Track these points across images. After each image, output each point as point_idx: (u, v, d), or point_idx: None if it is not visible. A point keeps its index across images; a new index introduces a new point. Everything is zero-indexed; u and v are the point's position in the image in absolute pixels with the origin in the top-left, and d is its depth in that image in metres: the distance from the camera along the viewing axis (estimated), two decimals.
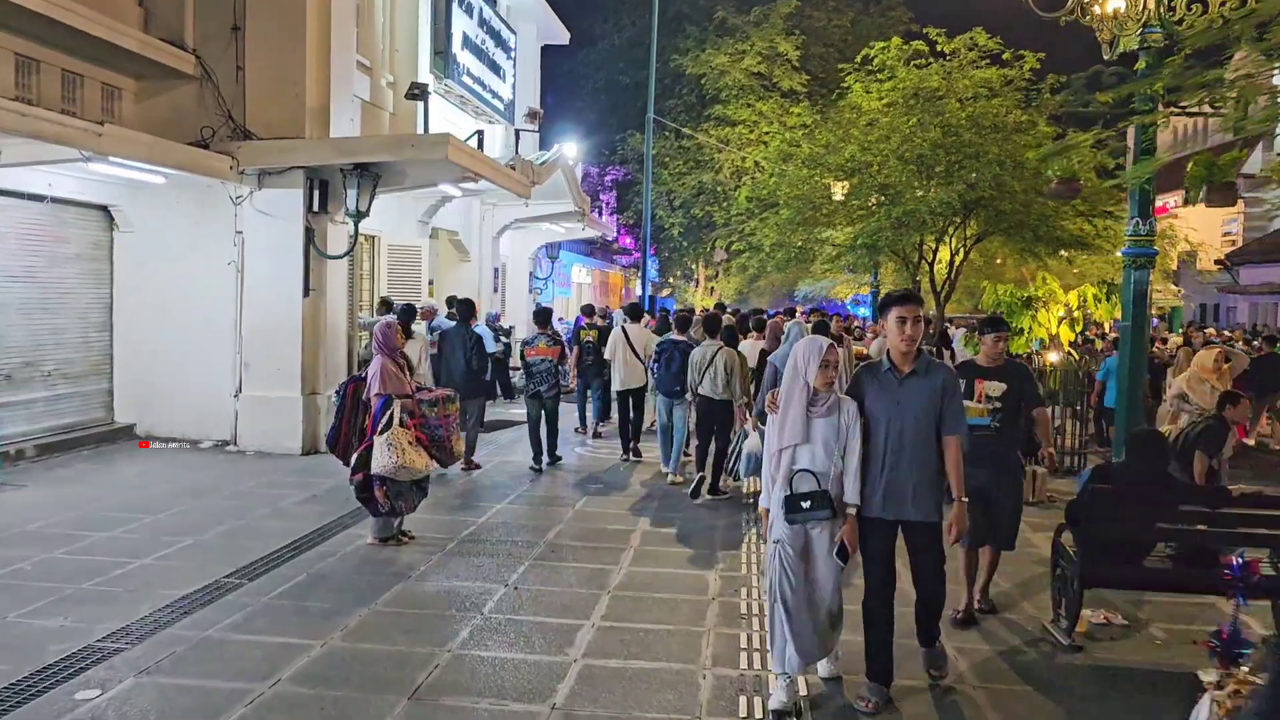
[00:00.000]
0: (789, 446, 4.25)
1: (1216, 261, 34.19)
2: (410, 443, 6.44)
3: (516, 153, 14.23)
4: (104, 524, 7.08)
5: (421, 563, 6.42)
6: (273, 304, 10.33)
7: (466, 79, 14.26)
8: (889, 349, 4.37)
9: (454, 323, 10.46)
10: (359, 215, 10.11)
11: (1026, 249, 16.75)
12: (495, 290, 17.47)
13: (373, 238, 12.71)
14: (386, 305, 11.84)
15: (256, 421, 10.35)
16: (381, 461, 6.32)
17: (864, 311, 26.44)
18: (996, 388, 5.39)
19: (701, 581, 6.20)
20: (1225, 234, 40.56)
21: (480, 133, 12.64)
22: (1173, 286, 31.33)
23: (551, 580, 6.12)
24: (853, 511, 4.25)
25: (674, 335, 9.74)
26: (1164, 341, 18.16)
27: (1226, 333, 22.40)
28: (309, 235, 10.33)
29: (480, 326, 12.76)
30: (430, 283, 17.14)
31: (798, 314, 16.69)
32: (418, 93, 11.27)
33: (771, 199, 18.76)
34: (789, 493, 4.22)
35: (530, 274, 20.62)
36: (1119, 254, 19.08)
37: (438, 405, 6.71)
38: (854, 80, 16.68)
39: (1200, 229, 32.27)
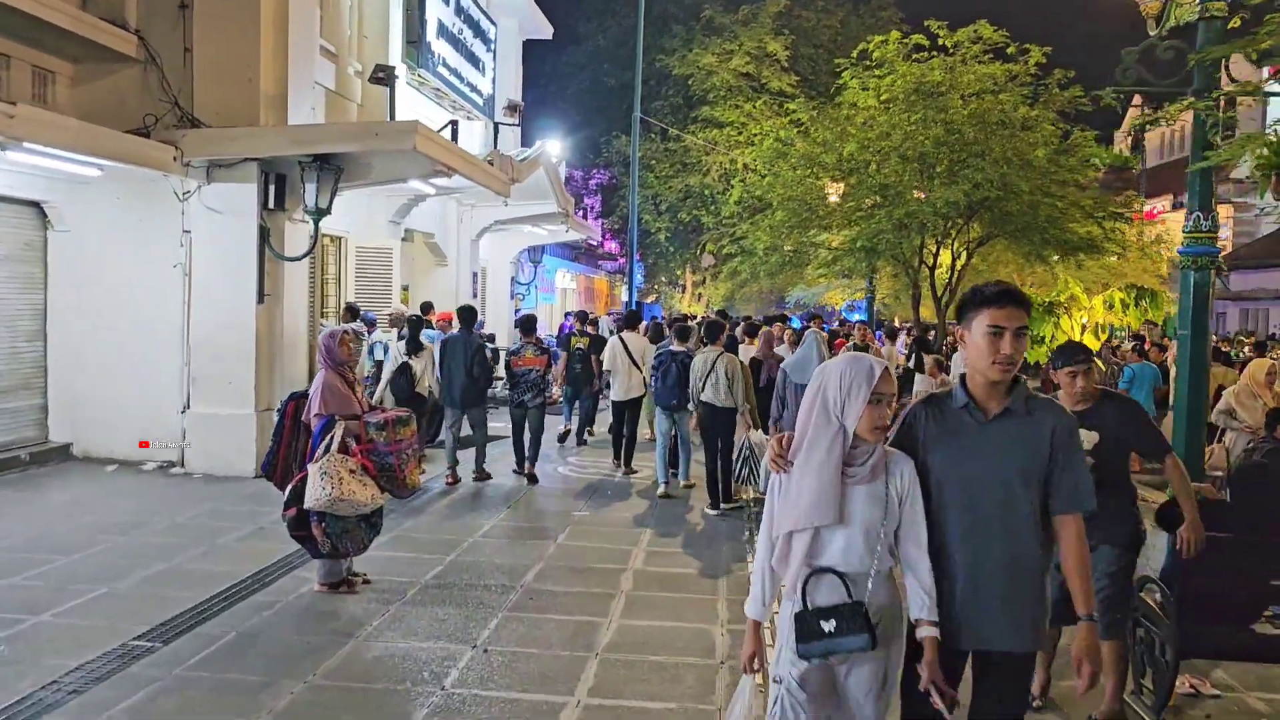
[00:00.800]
0: (808, 529, 2.72)
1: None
2: (351, 471, 5.46)
3: (495, 148, 13.29)
4: (6, 568, 6.07)
5: (374, 615, 5.45)
6: (223, 311, 9.34)
7: (442, 70, 13.32)
8: (968, 375, 2.83)
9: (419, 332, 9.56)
10: (319, 213, 9.13)
11: (1033, 252, 15.97)
12: (474, 296, 16.50)
13: (339, 239, 11.74)
14: (352, 312, 10.89)
15: (205, 441, 9.35)
16: (314, 494, 5.34)
17: (858, 318, 25.61)
18: (1088, 438, 3.90)
19: (707, 639, 5.25)
20: (1120, 254, 39.96)
21: (454, 123, 11.71)
22: (1169, 294, 30.63)
23: (529, 638, 5.17)
24: (934, 634, 2.72)
25: (673, 346, 9.33)
26: (1162, 349, 17.41)
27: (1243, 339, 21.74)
28: (264, 235, 9.34)
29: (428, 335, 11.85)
30: (405, 288, 16.18)
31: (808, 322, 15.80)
32: (383, 76, 10.31)
33: (764, 200, 17.90)
34: (803, 607, 2.75)
35: (512, 279, 19.66)
36: (1116, 258, 18.51)
37: (387, 429, 5.73)
38: (850, 76, 15.82)
39: None
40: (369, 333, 11.15)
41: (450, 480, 9.26)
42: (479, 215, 16.16)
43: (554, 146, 17.70)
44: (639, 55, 22.00)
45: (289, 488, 5.64)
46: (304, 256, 9.38)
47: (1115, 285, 10.05)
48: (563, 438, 12.10)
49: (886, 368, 2.77)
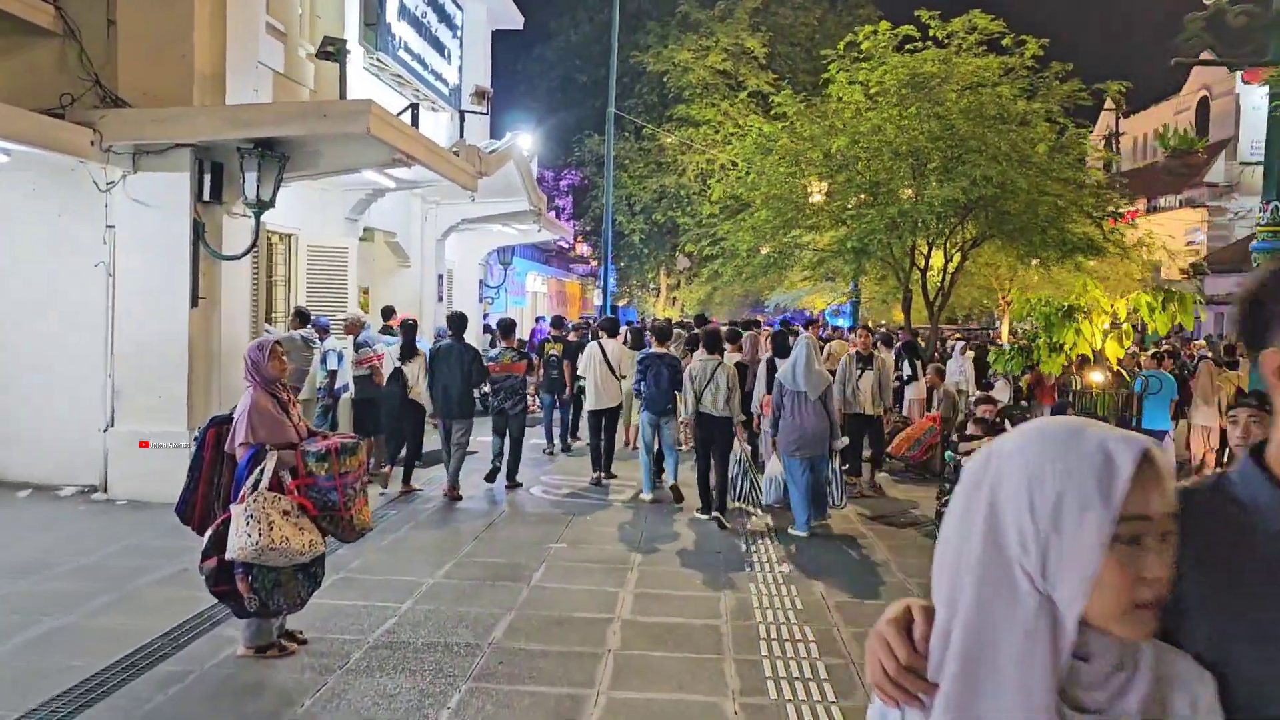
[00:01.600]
0: None
1: (1182, 270, 33.23)
2: (285, 513, 4.46)
3: (461, 137, 12.29)
4: None
5: (309, 689, 4.45)
6: (152, 316, 8.27)
7: (404, 54, 12.29)
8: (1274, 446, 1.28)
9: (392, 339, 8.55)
10: (261, 205, 8.09)
11: (1031, 254, 15.22)
12: (440, 300, 15.46)
13: (289, 237, 10.69)
14: (301, 318, 9.83)
15: (130, 463, 8.26)
16: (239, 542, 4.34)
17: (843, 323, 24.83)
18: None
19: (717, 717, 4.30)
20: (1189, 243, 39.87)
21: (414, 107, 10.71)
22: (1199, 296, 30.05)
23: None
24: None
25: (655, 348, 9.14)
26: (1174, 357, 16.73)
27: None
28: (198, 230, 8.28)
29: (420, 342, 10.82)
30: (365, 291, 15.11)
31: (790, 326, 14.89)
32: (332, 50, 9.28)
33: (747, 198, 17.01)
34: None
35: (480, 281, 18.62)
36: (1098, 259, 17.83)
37: (330, 459, 4.72)
38: (837, 69, 14.97)
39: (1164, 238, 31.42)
40: (321, 340, 10.12)
41: (453, 493, 8.90)
42: (445, 213, 15.12)
43: (525, 140, 16.71)
44: (614, 48, 21.10)
45: (208, 533, 4.63)
46: (244, 254, 8.33)
47: (1098, 290, 9.19)
48: (566, 447, 12.11)
49: (1150, 452, 1.12)
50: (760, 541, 7.68)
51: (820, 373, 7.79)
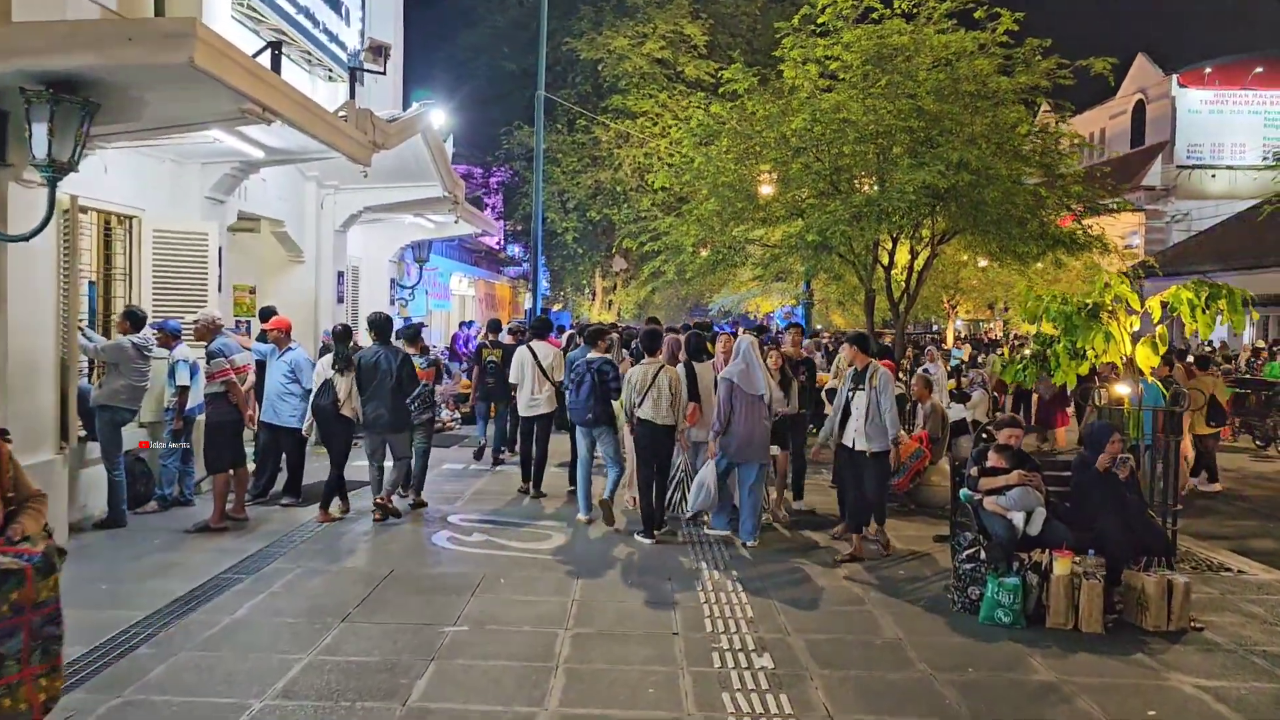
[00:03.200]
0: None
1: (1121, 274, 32.56)
2: None
3: (352, 99, 10.25)
4: None
5: None
6: None
7: (287, 5, 10.19)
8: None
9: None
10: (57, 168, 5.99)
11: (1008, 248, 13.70)
12: (339, 300, 13.35)
13: (129, 218, 8.54)
14: (134, 320, 7.73)
15: None
16: None
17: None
18: None
19: None
20: (1127, 246, 39.32)
21: (275, 45, 8.64)
22: (1249, 293, 28.98)
23: None
24: None
25: (588, 354, 8.37)
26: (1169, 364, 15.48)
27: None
28: None
29: (295, 351, 8.80)
30: (250, 290, 12.95)
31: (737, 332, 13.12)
32: None
33: (690, 190, 15.23)
34: None
35: (393, 281, 16.49)
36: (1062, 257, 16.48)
37: None
38: (792, 44, 13.26)
39: None
40: (171, 347, 8.03)
41: (378, 516, 8.03)
42: (345, 200, 13.04)
43: (439, 116, 14.69)
44: (543, 25, 19.16)
45: None
46: (34, 234, 6.20)
47: (1123, 285, 7.59)
48: (479, 454, 11.43)
49: None
50: (721, 593, 5.85)
51: (768, 375, 7.64)
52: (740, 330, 15.21)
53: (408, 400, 8.17)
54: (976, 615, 5.76)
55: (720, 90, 14.63)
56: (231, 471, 7.82)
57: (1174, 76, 45.83)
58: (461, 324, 21.16)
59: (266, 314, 9.89)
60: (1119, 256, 28.09)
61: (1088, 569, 5.67)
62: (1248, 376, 17.50)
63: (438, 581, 6.34)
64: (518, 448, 10.29)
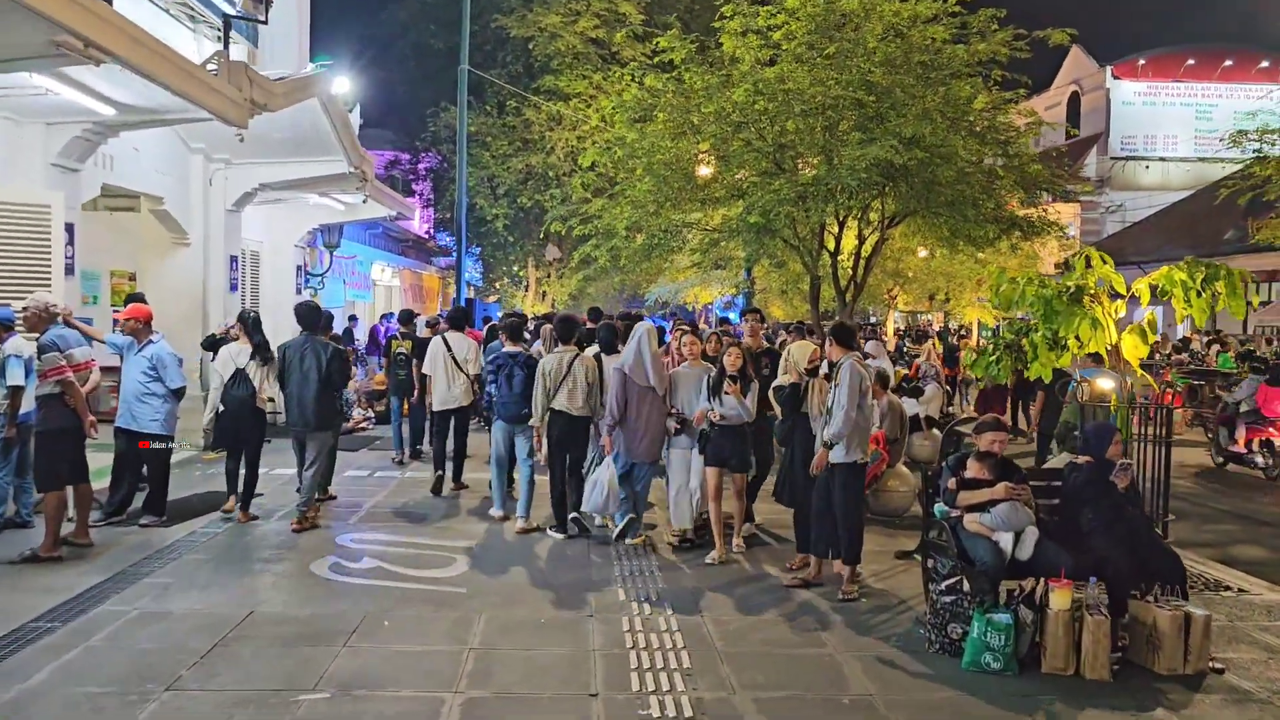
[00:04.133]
0: None
1: (1056, 266, 32.51)
2: None
3: (225, 50, 8.93)
4: None
5: None
6: None
7: None
8: None
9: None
10: None
11: (960, 232, 12.86)
12: (233, 288, 11.98)
13: None
14: None
15: None
16: None
17: (734, 317, 22.29)
18: None
19: None
20: (1061, 238, 39.28)
21: None
22: (1248, 272, 28.56)
23: None
24: None
25: (508, 346, 7.97)
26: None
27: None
28: None
29: (157, 345, 7.50)
30: (130, 277, 11.60)
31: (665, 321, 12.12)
32: None
33: (622, 171, 14.13)
34: None
35: (300, 268, 15.09)
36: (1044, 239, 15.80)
37: None
38: (732, 12, 12.26)
39: None
40: (1, 340, 6.68)
41: (301, 524, 7.33)
42: (238, 176, 11.67)
43: (343, 84, 13.37)
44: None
45: None
46: None
47: (1106, 267, 6.71)
48: (412, 457, 10.77)
49: None
50: (653, 634, 4.79)
51: (661, 366, 7.11)
52: (675, 321, 14.21)
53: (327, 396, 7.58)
54: (958, 658, 4.79)
55: (655, 59, 13.55)
56: (70, 489, 6.54)
57: (1108, 68, 46.07)
58: (383, 316, 19.80)
59: (135, 300, 8.54)
60: (1059, 246, 27.77)
61: (1090, 601, 4.73)
62: (1201, 368, 16.99)
63: (307, 626, 5.17)
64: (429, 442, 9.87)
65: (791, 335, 9.44)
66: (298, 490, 7.65)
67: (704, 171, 13.16)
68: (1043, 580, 4.84)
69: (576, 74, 24.49)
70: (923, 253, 21.58)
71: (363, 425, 13.62)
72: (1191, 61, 45.89)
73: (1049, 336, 6.64)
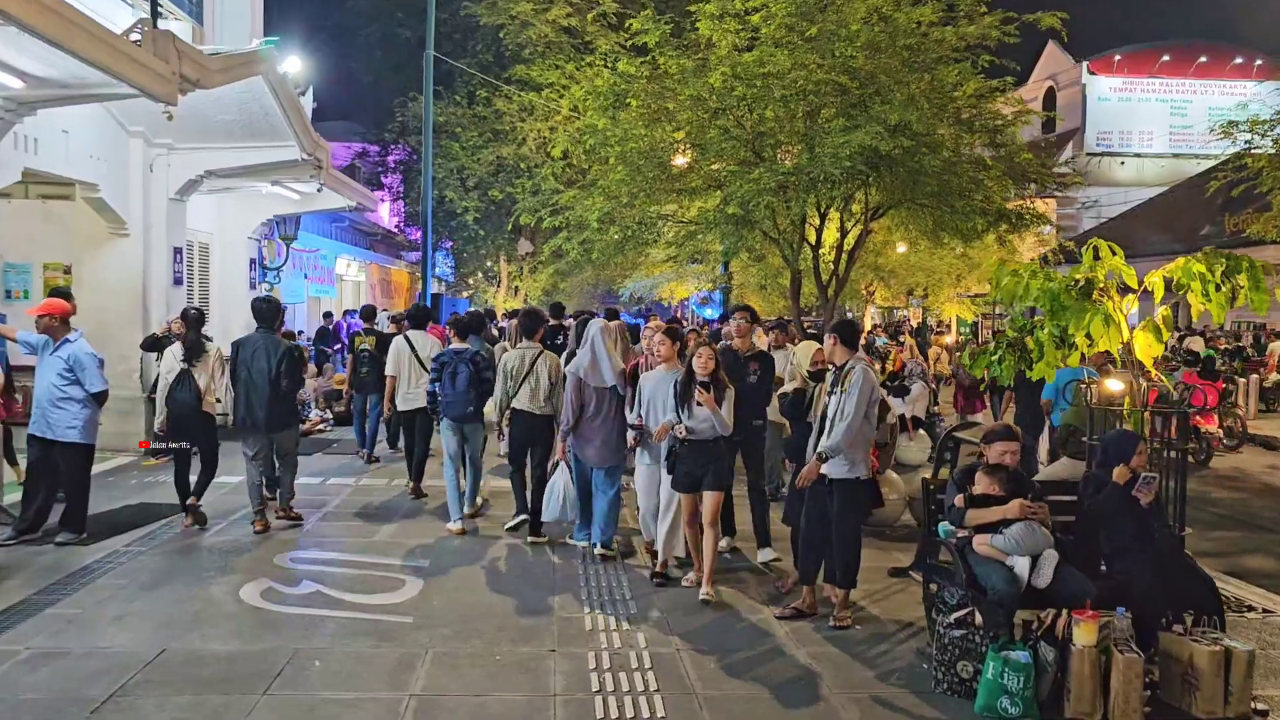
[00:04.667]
0: None
1: (1035, 259, 32.20)
2: None
3: (152, 19, 8.18)
4: None
5: None
6: None
7: None
8: None
9: None
10: None
11: (946, 225, 12.35)
12: (177, 282, 11.22)
13: None
14: None
15: None
16: None
17: (710, 314, 21.69)
18: None
19: None
20: (1039, 233, 39.08)
21: None
22: (1270, 264, 28.17)
23: None
24: None
25: (455, 344, 7.74)
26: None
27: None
28: None
29: (75, 344, 6.80)
30: (66, 270, 10.84)
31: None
32: None
33: (595, 156, 13.50)
34: None
35: (254, 261, 14.32)
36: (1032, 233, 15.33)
37: None
38: None
39: None
40: None
41: (260, 527, 7.09)
42: (182, 162, 10.91)
43: (294, 63, 12.61)
44: None
45: None
46: None
47: (1115, 259, 6.18)
48: (374, 459, 10.43)
49: None
50: (623, 673, 4.18)
51: (616, 363, 6.58)
52: (652, 318, 13.61)
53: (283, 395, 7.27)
54: (969, 700, 4.20)
55: (629, 43, 12.92)
56: None
57: (1084, 64, 45.96)
58: (346, 312, 19.04)
59: (61, 295, 7.80)
60: (1037, 241, 27.43)
61: (1118, 635, 4.17)
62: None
63: (226, 667, 4.50)
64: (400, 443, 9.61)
65: (774, 334, 8.82)
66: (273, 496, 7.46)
67: (680, 161, 12.58)
68: (1065, 611, 4.26)
69: (549, 63, 23.78)
70: (902, 248, 21.12)
71: (320, 427, 12.92)
72: (1166, 58, 45.90)
73: (1056, 334, 6.09)
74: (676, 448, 5.72)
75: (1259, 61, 44.49)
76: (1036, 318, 6.40)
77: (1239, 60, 45.80)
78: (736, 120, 11.43)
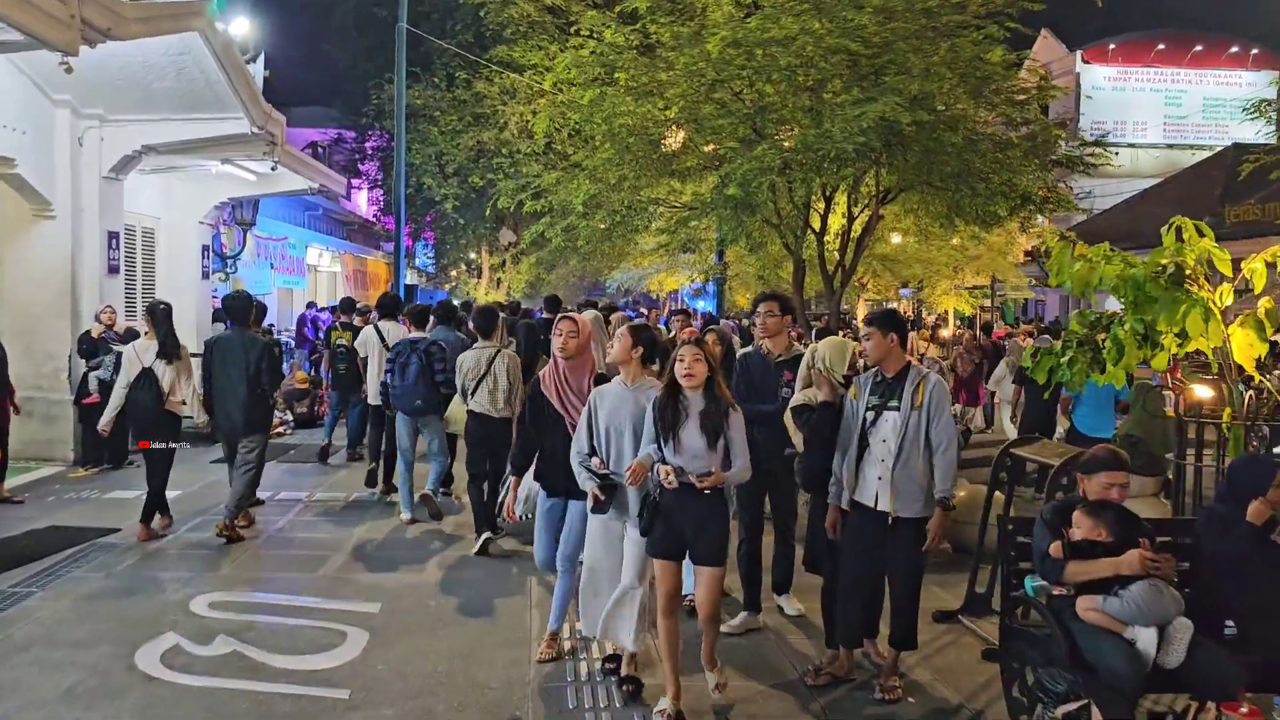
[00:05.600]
0: None
1: (1026, 253, 31.42)
2: None
3: None
4: None
5: None
6: None
7: None
8: None
9: None
10: None
11: (962, 210, 11.29)
12: (112, 270, 10.03)
13: None
14: None
15: None
16: None
17: (704, 306, 20.59)
18: None
19: None
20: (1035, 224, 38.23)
21: None
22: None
23: None
24: None
25: (412, 333, 7.53)
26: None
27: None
28: None
29: None
30: None
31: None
32: None
33: (580, 137, 12.36)
34: None
35: (207, 248, 13.10)
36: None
37: None
38: None
39: None
40: None
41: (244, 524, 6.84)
42: (115, 136, 9.72)
43: (241, 24, 11.41)
44: None
45: None
46: None
47: (1205, 240, 5.16)
48: (323, 454, 10.01)
49: None
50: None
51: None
52: (654, 313, 12.52)
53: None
54: None
55: (617, 8, 11.78)
56: None
57: (1078, 53, 45.05)
58: (309, 305, 17.82)
59: None
60: (1033, 232, 26.49)
61: None
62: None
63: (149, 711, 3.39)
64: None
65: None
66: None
67: (671, 144, 11.50)
68: (1214, 706, 3.19)
69: (531, 44, 22.63)
70: (896, 238, 20.12)
71: (279, 429, 11.74)
72: (1161, 47, 45.04)
73: (1139, 330, 5.02)
74: (655, 495, 3.89)
75: (1255, 51, 43.75)
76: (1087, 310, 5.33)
77: (1234, 49, 45.01)
78: (735, 94, 10.34)
